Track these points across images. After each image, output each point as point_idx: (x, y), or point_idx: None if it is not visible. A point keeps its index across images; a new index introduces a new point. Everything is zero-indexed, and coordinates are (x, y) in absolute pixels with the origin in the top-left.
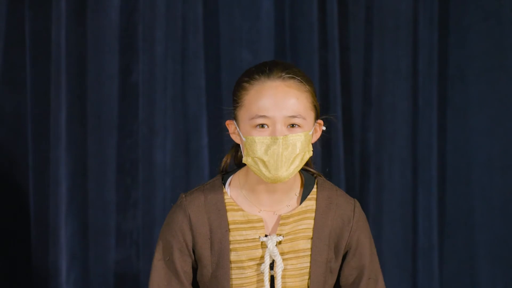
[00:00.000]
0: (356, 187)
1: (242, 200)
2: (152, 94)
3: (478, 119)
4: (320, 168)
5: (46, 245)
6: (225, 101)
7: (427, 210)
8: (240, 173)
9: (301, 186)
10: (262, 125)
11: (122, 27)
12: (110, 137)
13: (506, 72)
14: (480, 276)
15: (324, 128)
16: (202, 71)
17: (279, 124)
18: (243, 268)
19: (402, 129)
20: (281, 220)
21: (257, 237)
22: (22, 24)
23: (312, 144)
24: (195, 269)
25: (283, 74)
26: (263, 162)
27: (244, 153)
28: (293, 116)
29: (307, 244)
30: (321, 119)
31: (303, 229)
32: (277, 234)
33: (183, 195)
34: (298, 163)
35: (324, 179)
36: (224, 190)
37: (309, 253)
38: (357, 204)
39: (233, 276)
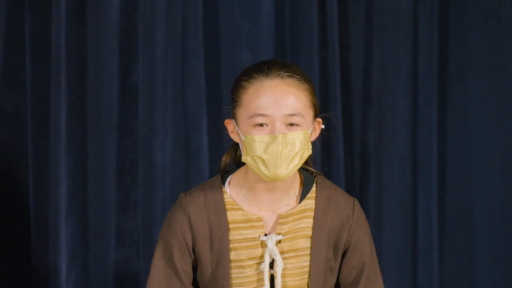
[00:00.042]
0: (356, 187)
1: (242, 199)
2: (152, 94)
3: (478, 119)
4: (320, 168)
5: (46, 245)
6: (225, 101)
7: (427, 210)
8: (239, 172)
9: (300, 185)
10: (261, 125)
11: (122, 27)
12: (110, 137)
13: (506, 72)
14: (480, 276)
15: (323, 126)
16: (202, 71)
17: (278, 122)
18: (243, 267)
19: (402, 129)
20: (280, 219)
21: (257, 236)
22: (22, 24)
23: (312, 142)
24: (195, 268)
25: (282, 72)
26: (263, 160)
27: (243, 152)
28: (292, 114)
29: (307, 243)
30: (320, 117)
31: (302, 228)
32: (276, 233)
33: (183, 195)
34: (298, 162)
35: (324, 178)
36: (223, 189)
37: (309, 252)
38: (356, 202)
39: (233, 276)
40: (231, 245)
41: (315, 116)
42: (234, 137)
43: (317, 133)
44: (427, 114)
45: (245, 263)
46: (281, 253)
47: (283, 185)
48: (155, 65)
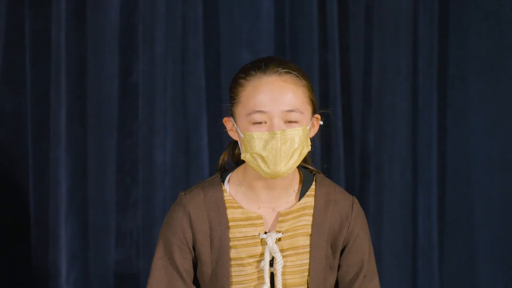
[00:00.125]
0: (356, 187)
1: (241, 197)
2: (152, 94)
3: (478, 119)
4: (320, 168)
5: (46, 245)
6: (225, 101)
7: (427, 210)
8: (238, 170)
9: (299, 183)
10: (259, 123)
11: (122, 27)
12: (110, 137)
13: (506, 72)
14: (480, 276)
15: (321, 122)
16: (202, 71)
17: (277, 118)
18: (243, 265)
19: (402, 129)
20: (280, 217)
21: (257, 234)
22: (22, 24)
23: (311, 139)
24: (195, 266)
25: (279, 69)
26: (262, 157)
27: (242, 150)
28: (291, 111)
29: (306, 241)
30: (318, 113)
31: (302, 225)
32: (276, 231)
33: (182, 193)
34: (297, 158)
35: (323, 176)
36: (223, 188)
37: (308, 249)
38: (356, 201)
39: (233, 274)
40: (231, 243)
41: (314, 112)
42: (233, 135)
43: (316, 129)
44: (427, 114)
45: (245, 261)
46: (281, 251)
47: (282, 182)
48: (155, 65)
